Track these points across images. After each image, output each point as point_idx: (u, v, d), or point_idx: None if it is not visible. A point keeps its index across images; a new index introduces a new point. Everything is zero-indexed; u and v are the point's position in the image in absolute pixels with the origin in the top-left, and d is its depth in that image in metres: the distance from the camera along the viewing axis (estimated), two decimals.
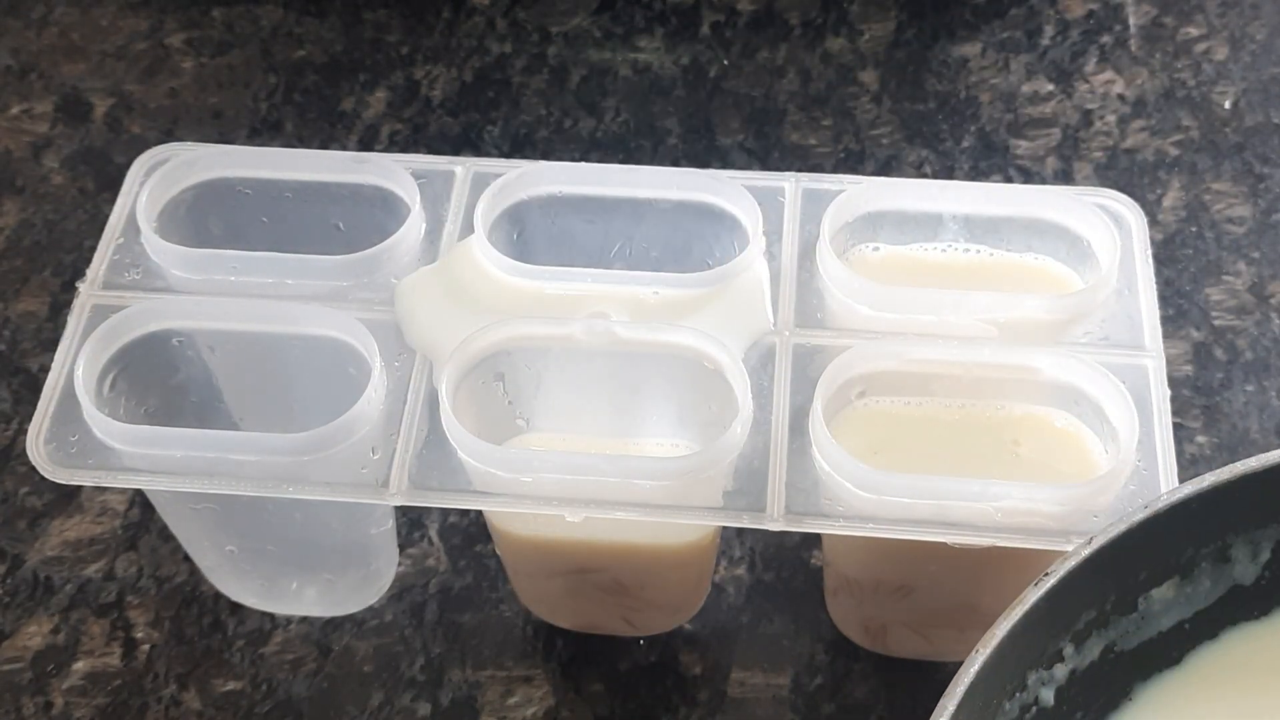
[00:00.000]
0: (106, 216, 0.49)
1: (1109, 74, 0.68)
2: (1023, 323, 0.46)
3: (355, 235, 0.49)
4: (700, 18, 0.71)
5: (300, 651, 0.52)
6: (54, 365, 0.46)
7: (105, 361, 0.46)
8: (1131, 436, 0.43)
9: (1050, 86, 0.67)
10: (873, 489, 0.42)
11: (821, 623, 0.52)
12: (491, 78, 0.69)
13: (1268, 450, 0.55)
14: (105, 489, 0.56)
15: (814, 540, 0.53)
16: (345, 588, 0.52)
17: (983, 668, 0.35)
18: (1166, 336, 0.47)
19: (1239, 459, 0.55)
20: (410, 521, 0.55)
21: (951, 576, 0.47)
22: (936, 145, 0.65)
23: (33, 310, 0.61)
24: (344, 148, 0.66)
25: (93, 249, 0.49)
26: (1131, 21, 0.70)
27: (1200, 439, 0.56)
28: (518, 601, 0.53)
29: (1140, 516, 0.37)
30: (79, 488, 0.56)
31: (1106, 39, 0.69)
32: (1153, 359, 0.45)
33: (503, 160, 0.51)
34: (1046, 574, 0.36)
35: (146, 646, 0.53)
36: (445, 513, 0.55)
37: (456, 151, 0.65)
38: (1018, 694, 0.37)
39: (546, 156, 0.63)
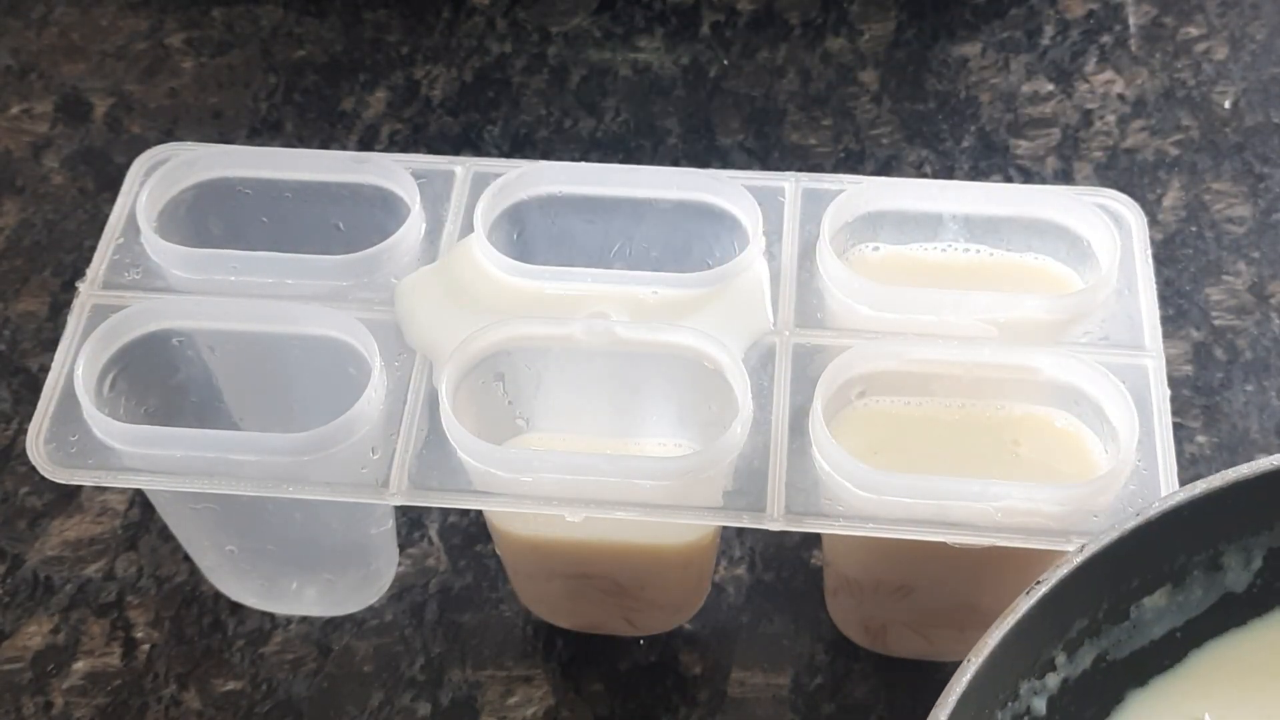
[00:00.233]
0: (106, 216, 0.49)
1: (1109, 74, 0.68)
2: (1023, 323, 0.46)
3: (355, 235, 0.49)
4: (700, 18, 0.71)
5: (300, 651, 0.52)
6: (54, 365, 0.46)
7: (105, 361, 0.46)
8: (1131, 436, 0.43)
9: (1050, 86, 0.67)
10: (873, 489, 0.42)
11: (821, 623, 0.52)
12: (491, 78, 0.69)
13: (1268, 450, 0.55)
14: (105, 489, 0.56)
15: (814, 540, 0.53)
16: (345, 588, 0.52)
17: (975, 677, 0.35)
18: (1166, 336, 0.47)
19: (1239, 459, 0.55)
20: (410, 521, 0.55)
21: (951, 576, 0.47)
22: (936, 145, 0.65)
23: (33, 310, 0.61)
24: (344, 148, 0.66)
25: (93, 249, 0.49)
26: (1131, 21, 0.70)
27: (1200, 439, 0.56)
28: (518, 601, 0.53)
29: (1132, 524, 0.37)
30: (79, 488, 0.56)
31: (1106, 39, 0.69)
32: (1153, 359, 0.45)
33: (503, 160, 0.51)
34: (1039, 582, 0.36)
35: (146, 646, 0.53)
36: (445, 513, 0.55)
37: (456, 151, 0.65)
38: (1010, 703, 0.37)
39: (546, 156, 0.63)
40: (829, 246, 0.47)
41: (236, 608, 0.53)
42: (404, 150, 0.66)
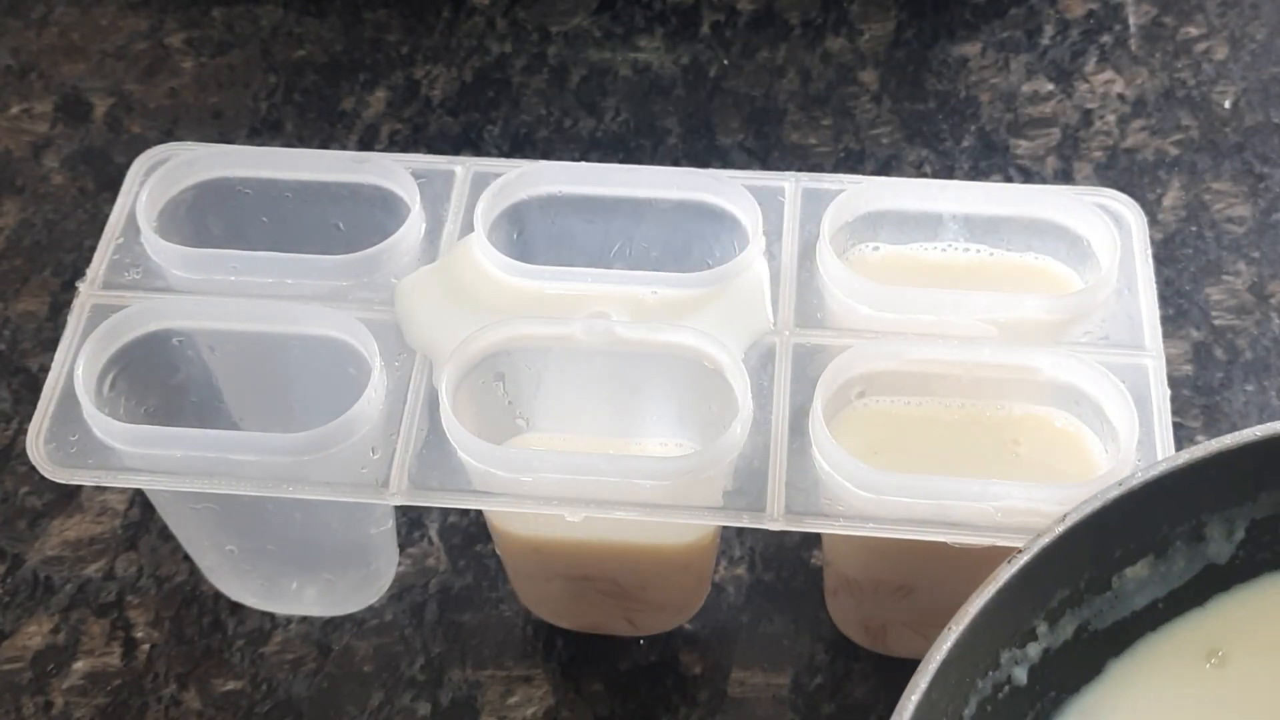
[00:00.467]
0: (106, 216, 0.49)
1: (1109, 74, 0.68)
2: (1023, 323, 0.46)
3: (355, 235, 0.49)
4: (700, 18, 0.71)
5: (300, 651, 0.52)
6: (54, 365, 0.46)
7: (105, 361, 0.46)
8: (1131, 436, 0.43)
9: (1050, 86, 0.67)
10: (873, 489, 0.42)
11: (821, 623, 0.52)
12: (491, 77, 0.69)
13: None
14: (105, 489, 0.56)
15: (814, 540, 0.53)
16: (345, 587, 0.52)
17: (955, 645, 0.35)
18: (1166, 336, 0.47)
19: None
20: (410, 521, 0.55)
21: (951, 576, 0.47)
22: (936, 145, 0.65)
23: (33, 310, 0.61)
24: (344, 148, 0.66)
25: (93, 249, 0.49)
26: (1131, 21, 0.70)
27: (1200, 439, 0.56)
28: (518, 601, 0.53)
29: (1115, 494, 0.37)
30: (79, 488, 0.56)
31: (1106, 39, 0.69)
32: (1153, 359, 0.45)
33: (503, 160, 0.51)
34: (1020, 551, 0.36)
35: (146, 646, 0.53)
36: (445, 513, 0.55)
37: (456, 151, 0.65)
38: (991, 672, 0.37)
39: (546, 156, 0.63)
40: (829, 246, 0.47)
41: (236, 608, 0.53)
42: (404, 150, 0.66)
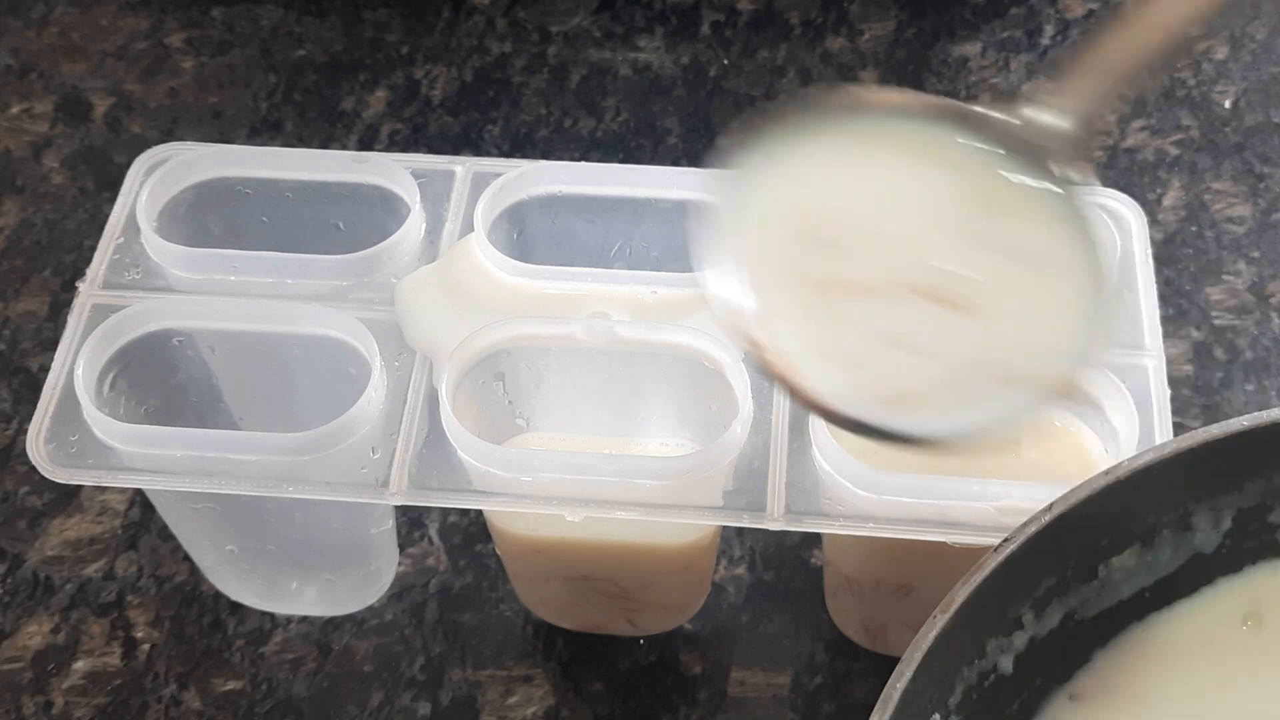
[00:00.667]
0: (106, 216, 0.49)
1: None
2: None
3: (355, 235, 0.49)
4: (700, 17, 0.71)
5: (300, 651, 0.52)
6: (54, 365, 0.46)
7: (105, 361, 0.46)
8: (1132, 436, 0.43)
9: (1050, 86, 0.67)
10: (873, 488, 0.42)
11: (821, 623, 0.52)
12: (491, 77, 0.69)
13: None
14: (105, 489, 0.56)
15: (814, 540, 0.53)
16: (345, 587, 0.52)
17: (941, 634, 0.34)
18: (1166, 336, 0.47)
19: None
20: (410, 521, 0.55)
21: (951, 576, 0.46)
22: None
23: (33, 310, 0.61)
24: (344, 147, 0.66)
25: (93, 249, 0.49)
26: None
27: None
28: (518, 601, 0.53)
29: (1102, 483, 0.37)
30: (79, 487, 0.56)
31: None
32: (1153, 359, 0.45)
33: (503, 160, 0.51)
34: (1006, 540, 0.36)
35: (146, 646, 0.53)
36: (445, 512, 0.55)
37: (456, 151, 0.65)
38: (977, 660, 0.37)
39: (546, 156, 0.63)
40: None
41: (236, 607, 0.53)
42: (404, 150, 0.66)
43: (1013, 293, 0.36)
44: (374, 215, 0.50)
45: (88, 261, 0.48)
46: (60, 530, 0.55)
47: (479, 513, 0.54)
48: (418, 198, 0.49)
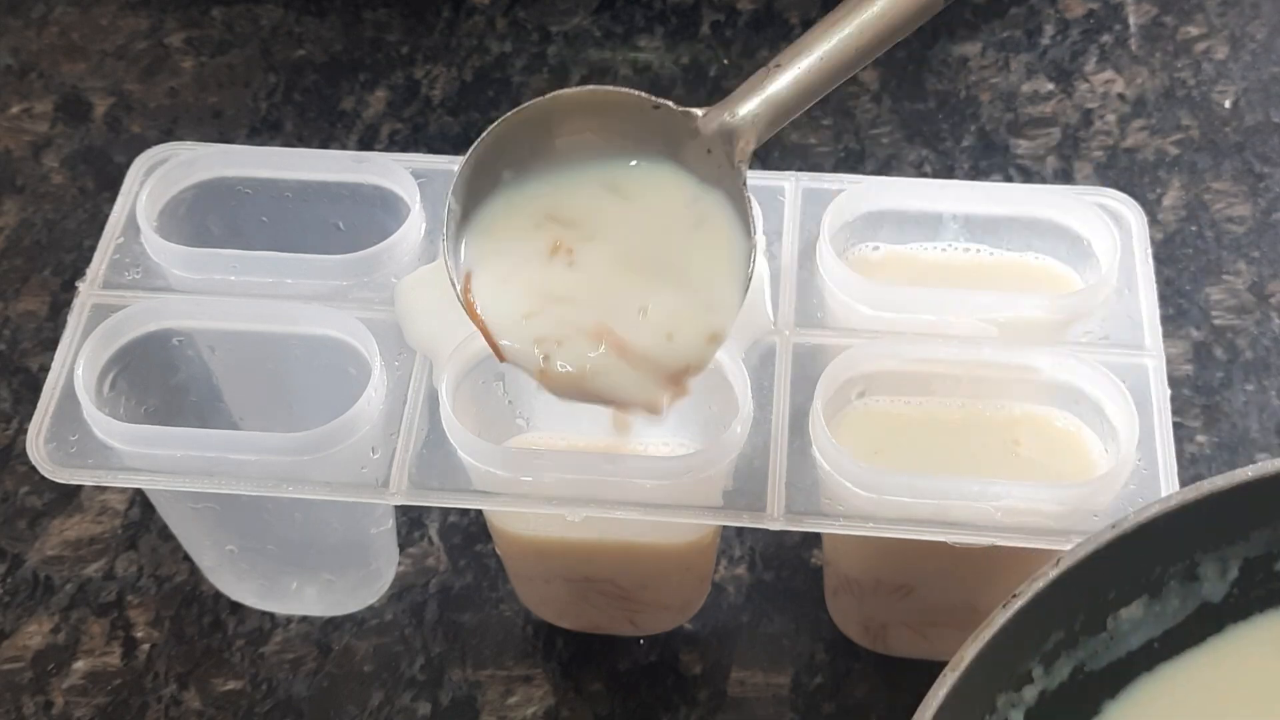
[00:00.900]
0: (106, 216, 0.49)
1: (1109, 73, 0.68)
2: (1023, 322, 0.46)
3: (355, 235, 0.49)
4: (700, 17, 0.71)
5: (300, 651, 0.52)
6: (54, 365, 0.46)
7: (105, 361, 0.46)
8: (1132, 436, 0.43)
9: (1050, 86, 0.67)
10: (873, 488, 0.42)
11: (821, 622, 0.52)
12: (491, 77, 0.69)
13: (1268, 449, 0.55)
14: (105, 489, 0.56)
15: (814, 540, 0.53)
16: (345, 587, 0.52)
17: (951, 691, 0.34)
18: (1166, 336, 0.47)
19: (1239, 458, 0.55)
20: (410, 521, 0.55)
21: (951, 576, 0.47)
22: (936, 145, 0.65)
23: (33, 310, 0.61)
24: (344, 147, 0.66)
25: (93, 249, 0.49)
26: (1131, 21, 0.70)
27: (1200, 438, 0.56)
28: (518, 601, 0.53)
29: (1108, 536, 0.37)
30: (79, 487, 0.56)
31: (1107, 38, 0.69)
32: (1153, 358, 0.45)
33: None
34: (1015, 595, 0.36)
35: (146, 646, 0.53)
36: (445, 512, 0.55)
37: (456, 151, 0.65)
38: (987, 716, 0.37)
39: None
40: (829, 246, 0.47)
41: (236, 607, 0.53)
42: (404, 150, 0.66)
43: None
44: (374, 215, 0.50)
45: (88, 261, 0.48)
46: (60, 530, 0.55)
47: (479, 513, 0.54)
48: (418, 198, 0.49)
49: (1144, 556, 0.38)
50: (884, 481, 0.42)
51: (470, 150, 0.41)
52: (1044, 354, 0.45)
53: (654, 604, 0.51)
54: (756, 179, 0.49)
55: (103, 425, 0.44)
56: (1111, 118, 0.66)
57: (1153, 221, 0.61)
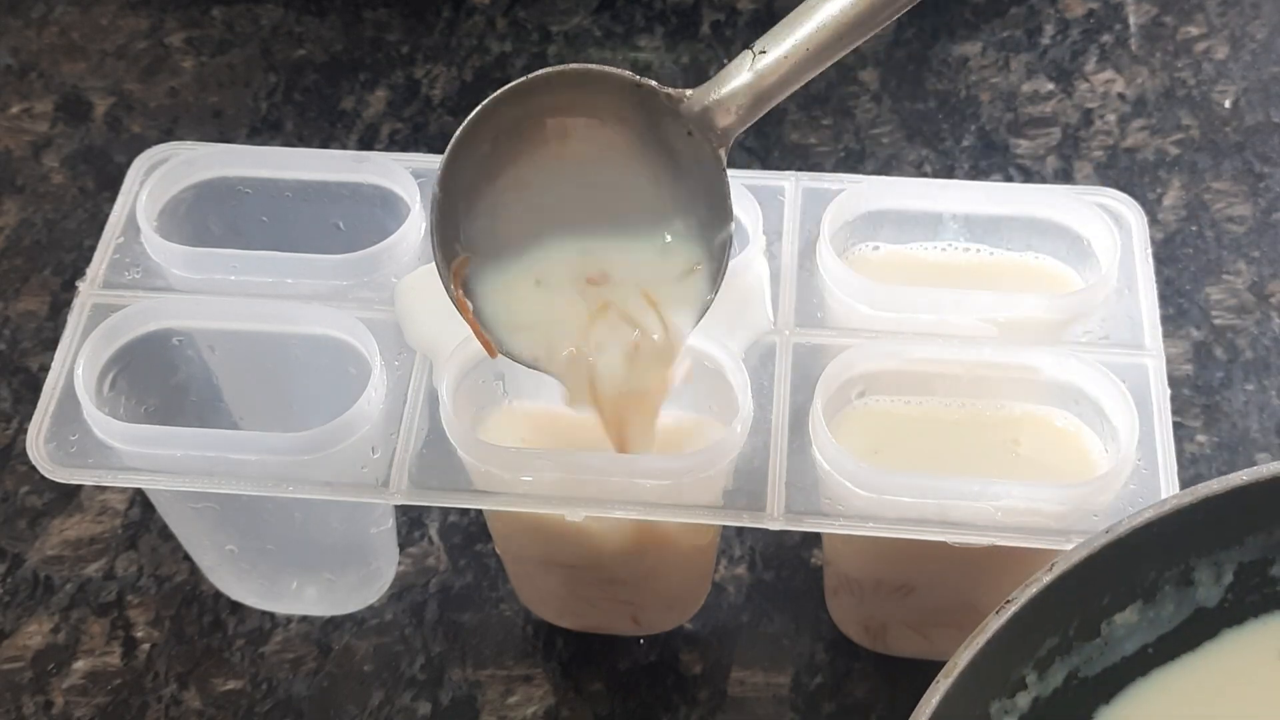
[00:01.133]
0: (106, 216, 0.49)
1: (1109, 73, 0.68)
2: (1023, 322, 0.46)
3: (355, 235, 0.49)
4: (700, 17, 0.71)
5: (300, 651, 0.52)
6: (54, 365, 0.46)
7: (105, 361, 0.46)
8: (1132, 436, 0.43)
9: (1050, 86, 0.67)
10: (873, 488, 0.42)
11: (821, 622, 0.52)
12: (492, 77, 0.69)
13: (1268, 449, 0.55)
14: (105, 488, 0.56)
15: (814, 540, 0.53)
16: (345, 587, 0.52)
17: (944, 698, 0.34)
18: (1166, 336, 0.47)
19: (1239, 458, 0.55)
20: (410, 521, 0.55)
21: (951, 576, 0.47)
22: (936, 144, 0.65)
23: (33, 310, 0.61)
24: (344, 147, 0.66)
25: (93, 248, 0.49)
26: (1131, 21, 0.70)
27: (1200, 438, 0.56)
28: (518, 601, 0.53)
29: (1101, 542, 0.37)
30: (79, 487, 0.56)
31: (1107, 38, 0.69)
32: (1153, 358, 0.45)
33: None
34: (1008, 601, 0.36)
35: (146, 646, 0.53)
36: (445, 512, 0.55)
37: None
38: None
39: None
40: (829, 246, 0.47)
41: (236, 607, 0.53)
42: (404, 150, 0.66)
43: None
44: (374, 215, 0.50)
45: (88, 261, 0.48)
46: (60, 530, 0.55)
47: (479, 513, 0.54)
48: (418, 197, 0.49)
49: (1138, 562, 0.38)
50: (884, 481, 0.42)
51: (455, 135, 0.41)
52: (1044, 354, 0.45)
53: (654, 603, 0.51)
54: (757, 179, 0.50)
55: (103, 425, 0.44)
56: (1111, 117, 0.66)
57: (1153, 221, 0.61)
